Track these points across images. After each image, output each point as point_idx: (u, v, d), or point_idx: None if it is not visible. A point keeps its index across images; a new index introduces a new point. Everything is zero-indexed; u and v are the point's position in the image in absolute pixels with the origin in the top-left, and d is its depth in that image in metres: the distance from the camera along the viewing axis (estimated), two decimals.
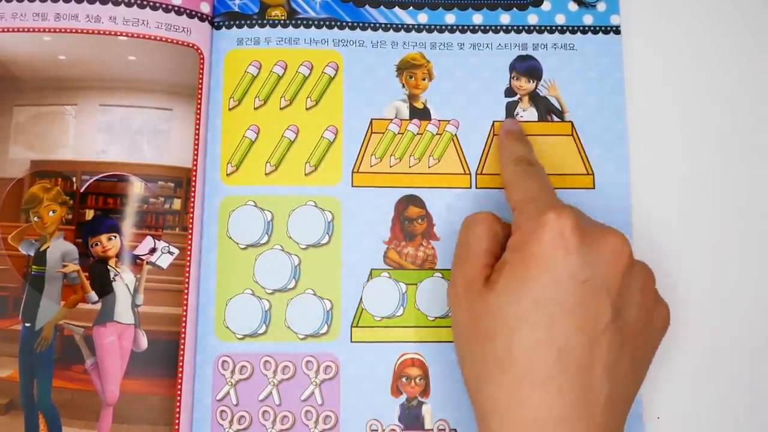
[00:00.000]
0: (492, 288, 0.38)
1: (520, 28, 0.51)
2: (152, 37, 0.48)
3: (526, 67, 0.50)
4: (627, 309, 0.38)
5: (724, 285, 0.49)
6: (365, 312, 0.47)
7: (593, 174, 0.49)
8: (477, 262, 0.40)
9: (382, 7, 0.50)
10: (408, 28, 0.50)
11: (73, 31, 0.47)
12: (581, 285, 0.37)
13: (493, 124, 0.49)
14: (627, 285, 0.38)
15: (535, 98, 0.50)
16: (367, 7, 0.50)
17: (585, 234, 0.38)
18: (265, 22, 0.50)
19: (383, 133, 0.49)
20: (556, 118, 0.50)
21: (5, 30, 0.47)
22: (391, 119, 0.49)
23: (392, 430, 0.46)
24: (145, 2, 0.48)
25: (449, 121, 0.49)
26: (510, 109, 0.50)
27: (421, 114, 0.49)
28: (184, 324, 0.45)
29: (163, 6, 0.48)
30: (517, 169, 0.44)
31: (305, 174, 0.48)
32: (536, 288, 0.37)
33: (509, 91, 0.50)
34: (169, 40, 0.48)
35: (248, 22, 0.50)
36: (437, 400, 0.46)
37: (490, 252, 0.41)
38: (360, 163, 0.49)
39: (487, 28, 0.51)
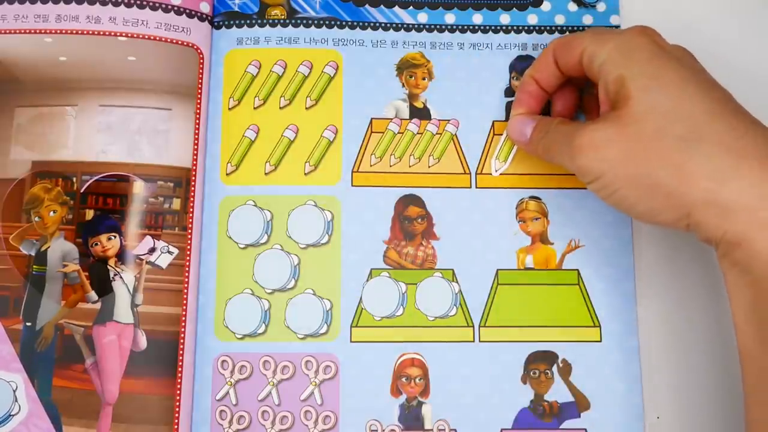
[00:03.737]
0: (627, 103, 0.39)
1: (520, 28, 0.51)
2: (152, 37, 0.48)
3: (526, 67, 0.50)
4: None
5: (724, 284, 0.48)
6: (365, 312, 0.47)
7: None
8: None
9: (382, 6, 0.50)
10: (408, 28, 0.50)
11: (74, 32, 0.48)
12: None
13: (493, 124, 0.49)
14: None
15: None
16: (367, 6, 0.50)
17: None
18: (264, 21, 0.50)
19: (383, 132, 0.49)
20: None
21: (7, 32, 0.47)
22: (391, 119, 0.49)
23: (392, 430, 0.46)
24: (144, 2, 0.48)
25: (449, 120, 0.49)
26: (510, 109, 0.50)
27: (421, 113, 0.49)
28: (183, 324, 0.45)
29: (163, 6, 0.48)
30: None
31: (305, 173, 0.48)
32: (669, 71, 0.39)
33: (509, 91, 0.50)
34: (169, 40, 0.48)
35: (248, 21, 0.50)
36: (437, 400, 0.46)
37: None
38: (360, 163, 0.49)
39: (487, 28, 0.51)
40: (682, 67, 0.39)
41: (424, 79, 0.50)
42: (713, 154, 0.37)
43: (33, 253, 0.46)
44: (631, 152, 0.38)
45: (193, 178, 0.47)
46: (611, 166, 0.39)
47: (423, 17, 0.50)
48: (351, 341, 0.46)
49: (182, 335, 0.45)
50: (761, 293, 0.36)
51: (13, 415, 0.43)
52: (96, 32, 0.48)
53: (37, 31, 0.48)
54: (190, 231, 0.46)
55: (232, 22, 0.50)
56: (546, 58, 0.45)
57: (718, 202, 0.36)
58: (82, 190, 0.46)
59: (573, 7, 0.51)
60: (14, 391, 0.43)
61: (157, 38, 0.48)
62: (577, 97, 0.48)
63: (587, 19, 0.51)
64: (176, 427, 0.44)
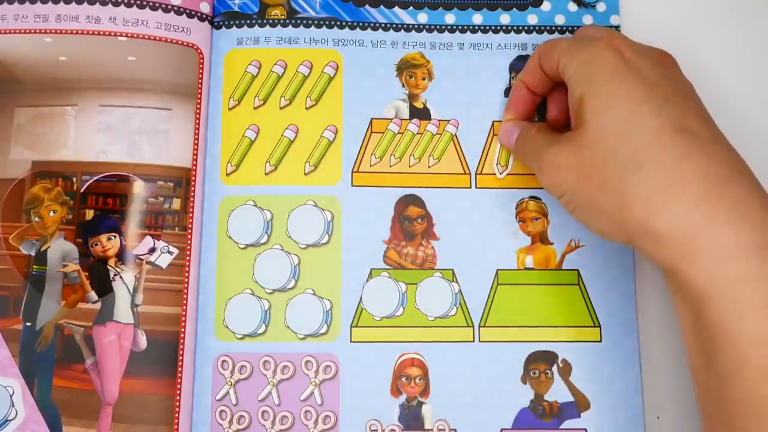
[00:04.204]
0: (583, 124, 0.39)
1: (520, 28, 0.51)
2: (152, 37, 0.48)
3: None
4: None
5: None
6: (365, 312, 0.47)
7: None
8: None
9: (381, 6, 0.50)
10: (408, 28, 0.50)
11: (74, 32, 0.48)
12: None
13: (493, 124, 0.49)
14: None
15: None
16: (367, 6, 0.50)
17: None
18: (264, 21, 0.50)
19: (383, 132, 0.49)
20: None
21: (7, 32, 0.47)
22: (391, 119, 0.49)
23: (392, 430, 0.46)
24: (144, 2, 0.48)
25: (449, 120, 0.49)
26: None
27: (421, 114, 0.49)
28: (183, 324, 0.45)
29: (163, 6, 0.48)
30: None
31: (305, 173, 0.48)
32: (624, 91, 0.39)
33: (509, 91, 0.50)
34: (169, 40, 0.48)
35: (248, 21, 0.50)
36: (437, 400, 0.46)
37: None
38: (360, 163, 0.49)
39: (487, 28, 0.51)
40: (639, 85, 0.38)
41: (424, 79, 0.50)
42: (650, 181, 0.36)
43: (33, 253, 0.46)
44: (584, 176, 0.39)
45: (193, 178, 0.47)
46: (569, 186, 0.40)
47: (423, 17, 0.50)
48: (351, 341, 0.46)
49: (182, 335, 0.45)
50: (699, 319, 0.36)
51: (10, 421, 0.43)
52: (96, 32, 0.48)
53: (37, 31, 0.48)
54: (190, 231, 0.46)
55: (232, 22, 0.50)
56: (533, 63, 0.45)
57: (652, 232, 0.36)
58: (82, 190, 0.46)
59: (573, 7, 0.51)
60: (11, 396, 0.43)
61: (157, 38, 0.48)
62: None
63: (587, 19, 0.51)
64: (176, 427, 0.44)
